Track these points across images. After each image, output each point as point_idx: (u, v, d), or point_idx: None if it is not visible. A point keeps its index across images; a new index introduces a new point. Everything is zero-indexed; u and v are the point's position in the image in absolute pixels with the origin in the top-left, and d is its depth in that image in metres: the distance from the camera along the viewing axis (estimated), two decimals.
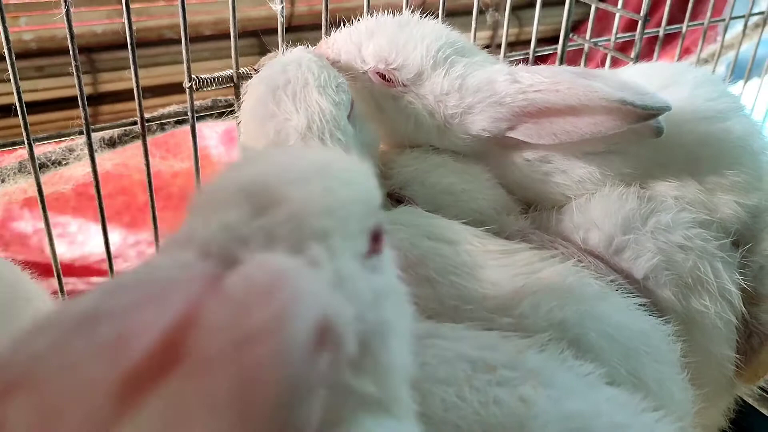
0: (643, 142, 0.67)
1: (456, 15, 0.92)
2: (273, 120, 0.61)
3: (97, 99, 0.83)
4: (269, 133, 0.60)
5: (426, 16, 0.74)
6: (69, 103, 0.67)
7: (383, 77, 0.71)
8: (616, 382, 0.53)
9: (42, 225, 0.66)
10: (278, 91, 0.62)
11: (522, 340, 0.51)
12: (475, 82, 0.69)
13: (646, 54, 1.06)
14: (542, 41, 0.98)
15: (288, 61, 0.64)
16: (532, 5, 0.92)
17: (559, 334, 0.54)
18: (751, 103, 1.19)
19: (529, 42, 0.93)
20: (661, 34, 1.01)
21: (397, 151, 0.75)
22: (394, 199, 0.71)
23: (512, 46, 0.97)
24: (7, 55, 0.60)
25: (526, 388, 0.46)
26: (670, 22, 1.02)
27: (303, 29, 0.76)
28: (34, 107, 0.74)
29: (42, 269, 0.65)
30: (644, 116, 0.63)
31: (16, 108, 0.60)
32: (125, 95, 0.68)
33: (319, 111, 0.60)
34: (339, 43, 0.72)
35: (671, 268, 0.65)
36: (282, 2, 0.71)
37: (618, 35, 1.00)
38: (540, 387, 0.47)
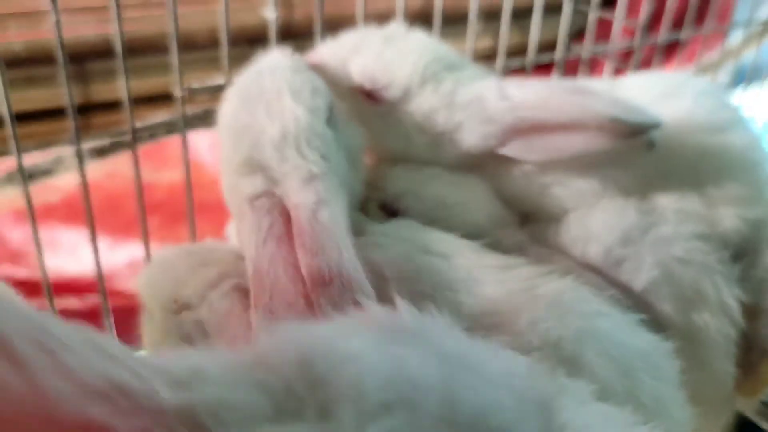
0: (644, 154, 0.66)
1: (455, 23, 0.91)
2: (248, 132, 0.57)
3: (87, 108, 0.83)
4: (244, 148, 0.57)
5: (424, 24, 0.73)
6: (59, 113, 0.66)
7: (369, 96, 0.69)
8: (611, 400, 0.52)
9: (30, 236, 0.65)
10: (252, 102, 0.59)
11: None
12: (465, 99, 0.68)
13: (648, 62, 1.05)
14: (546, 49, 0.97)
15: (262, 68, 0.62)
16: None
17: (556, 352, 0.52)
18: (751, 112, 1.18)
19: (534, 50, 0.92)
20: (660, 41, 1.00)
21: (390, 163, 0.74)
22: (388, 211, 0.69)
23: (516, 54, 0.96)
24: None
25: None
26: (675, 29, 1.01)
27: (302, 36, 0.75)
28: (24, 118, 0.73)
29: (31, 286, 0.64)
30: (635, 132, 0.63)
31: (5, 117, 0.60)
32: (117, 104, 0.66)
33: (294, 119, 0.57)
34: (324, 58, 0.70)
35: (671, 282, 0.64)
36: (276, 12, 0.70)
37: (619, 44, 1.00)
38: None
